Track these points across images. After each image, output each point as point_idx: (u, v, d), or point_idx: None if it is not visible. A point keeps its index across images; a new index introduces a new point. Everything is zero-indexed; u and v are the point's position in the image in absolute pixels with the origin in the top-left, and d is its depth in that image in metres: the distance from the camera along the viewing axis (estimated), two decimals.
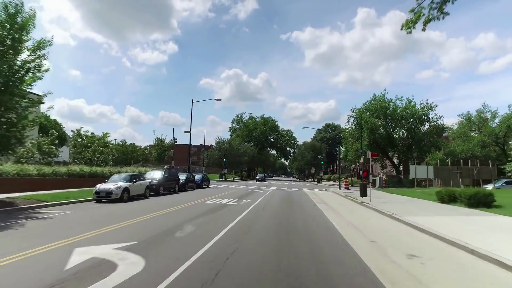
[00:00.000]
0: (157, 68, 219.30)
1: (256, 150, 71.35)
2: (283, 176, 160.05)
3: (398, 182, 42.00)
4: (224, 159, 50.12)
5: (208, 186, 30.11)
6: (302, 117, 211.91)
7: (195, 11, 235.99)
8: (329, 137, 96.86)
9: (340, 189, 29.78)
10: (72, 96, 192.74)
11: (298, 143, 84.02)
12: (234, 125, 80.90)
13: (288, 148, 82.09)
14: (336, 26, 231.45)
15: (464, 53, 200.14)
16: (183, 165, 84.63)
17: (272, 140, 78.25)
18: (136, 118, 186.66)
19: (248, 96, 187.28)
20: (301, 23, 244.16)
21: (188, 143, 35.41)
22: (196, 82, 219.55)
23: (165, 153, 38.38)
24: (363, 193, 20.53)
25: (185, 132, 33.01)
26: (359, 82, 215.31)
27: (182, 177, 23.98)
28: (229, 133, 78.43)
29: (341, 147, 44.76)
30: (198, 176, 28.62)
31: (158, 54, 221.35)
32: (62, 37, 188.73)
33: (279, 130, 79.05)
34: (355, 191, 26.90)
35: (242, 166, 63.37)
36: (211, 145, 66.02)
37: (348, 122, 46.80)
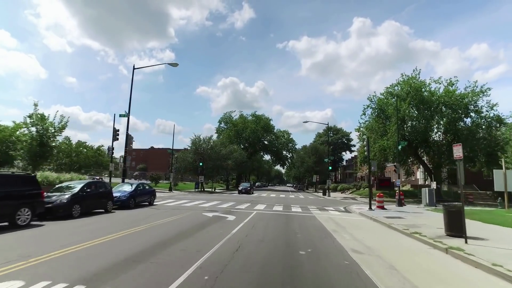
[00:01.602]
0: (154, 76, 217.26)
1: (247, 154, 59.35)
2: (287, 185, 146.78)
3: (436, 195, 30.23)
4: (201, 163, 37.99)
5: (150, 203, 18.03)
6: (299, 125, 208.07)
7: (192, 20, 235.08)
8: (331, 141, 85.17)
9: (371, 208, 17.88)
10: (68, 103, 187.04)
11: (297, 146, 71.85)
12: (221, 125, 68.95)
13: (284, 152, 69.73)
14: (332, 35, 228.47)
15: (458, 63, 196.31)
16: (162, 171, 72.06)
17: (266, 142, 66.03)
18: (132, 126, 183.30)
19: (244, 105, 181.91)
20: (297, 32, 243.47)
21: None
22: (192, 90, 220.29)
23: (48, 146, 19.83)
24: (457, 228, 8.73)
25: (120, 115, 20.93)
26: (355, 91, 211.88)
27: (76, 187, 11.99)
28: (216, 134, 66.24)
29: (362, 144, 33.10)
30: (124, 187, 16.55)
31: (155, 62, 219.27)
32: (59, 44, 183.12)
33: (274, 131, 66.98)
34: (400, 213, 14.81)
35: (228, 172, 51.19)
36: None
37: (364, 114, 35.29)
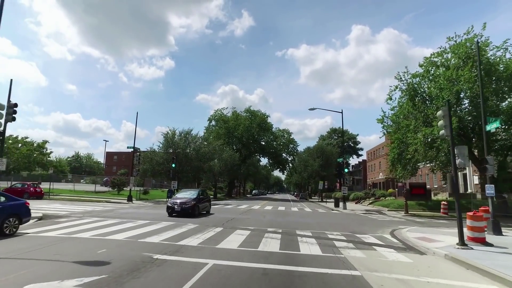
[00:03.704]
0: (154, 84, 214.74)
1: (240, 157, 49.99)
2: (291, 193, 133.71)
3: (504, 206, 20.71)
4: (174, 165, 28.52)
5: (4, 233, 8.60)
6: (299, 133, 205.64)
7: (192, 28, 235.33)
8: (337, 144, 75.71)
9: (464, 243, 8.49)
10: (68, 111, 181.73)
11: (299, 148, 62.05)
12: (212, 124, 59.77)
13: (284, 155, 59.96)
14: (331, 43, 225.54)
15: None
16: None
17: (262, 143, 56.42)
18: (132, 133, 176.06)
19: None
20: (296, 40, 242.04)
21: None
22: (192, 98, 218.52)
23: None
24: None
25: None
26: (355, 99, 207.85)
27: None
28: (205, 134, 56.76)
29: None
30: None
31: (155, 69, 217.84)
32: (59, 52, 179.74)
33: (273, 130, 57.42)
34: None
35: (215, 177, 41.67)
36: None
37: (391, 99, 26.05)
